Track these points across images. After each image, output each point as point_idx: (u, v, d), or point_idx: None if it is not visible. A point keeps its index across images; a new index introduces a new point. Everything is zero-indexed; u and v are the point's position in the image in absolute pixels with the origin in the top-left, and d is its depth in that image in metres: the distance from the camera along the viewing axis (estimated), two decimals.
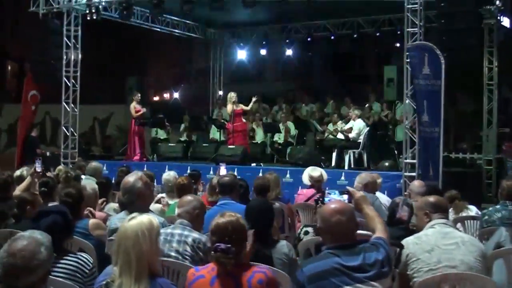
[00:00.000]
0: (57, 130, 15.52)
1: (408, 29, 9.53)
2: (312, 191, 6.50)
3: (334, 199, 3.31)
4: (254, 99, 12.61)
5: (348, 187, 3.34)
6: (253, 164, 11.63)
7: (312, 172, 6.58)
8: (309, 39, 15.09)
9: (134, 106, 12.56)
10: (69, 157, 12.15)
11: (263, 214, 3.60)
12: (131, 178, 3.97)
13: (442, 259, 3.27)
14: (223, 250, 2.77)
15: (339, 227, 2.88)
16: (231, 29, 16.12)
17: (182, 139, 14.24)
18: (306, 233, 4.30)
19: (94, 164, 7.06)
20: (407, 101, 9.62)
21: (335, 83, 24.95)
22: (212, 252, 2.83)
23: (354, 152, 11.21)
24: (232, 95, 12.13)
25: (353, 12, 13.31)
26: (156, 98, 22.60)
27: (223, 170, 6.32)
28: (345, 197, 3.28)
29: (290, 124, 13.58)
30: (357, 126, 11.21)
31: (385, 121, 13.12)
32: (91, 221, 4.10)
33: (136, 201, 3.91)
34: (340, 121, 12.18)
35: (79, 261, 3.03)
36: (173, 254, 3.46)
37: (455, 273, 3.21)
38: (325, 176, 6.66)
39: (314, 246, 3.88)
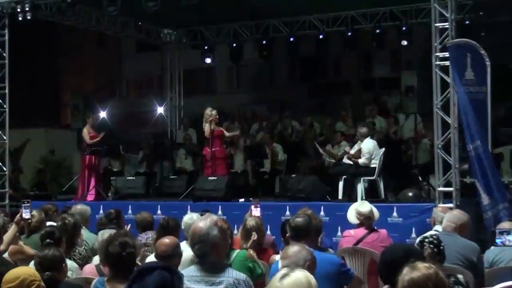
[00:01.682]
0: None
1: (436, 24, 9.75)
2: (362, 231, 6.75)
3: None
4: (237, 132, 13.19)
5: None
6: (241, 200, 11.83)
7: (360, 207, 6.83)
8: (291, 39, 15.59)
9: (88, 131, 12.59)
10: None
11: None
12: (203, 224, 4.09)
13: None
14: None
15: None
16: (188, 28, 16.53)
17: (141, 170, 14.35)
18: None
19: (80, 207, 7.08)
20: (438, 114, 9.75)
21: (318, 93, 26.01)
22: None
23: (364, 180, 11.57)
24: (210, 113, 12.35)
25: (346, 4, 13.85)
26: None
27: (256, 210, 6.48)
28: None
29: (278, 147, 13.89)
30: (367, 148, 11.48)
31: (394, 140, 13.69)
32: None
33: (210, 253, 4.04)
34: (344, 142, 12.64)
35: None
36: None
37: None
38: (376, 212, 6.93)
39: None
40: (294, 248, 3.95)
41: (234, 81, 29.62)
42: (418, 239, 4.82)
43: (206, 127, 12.28)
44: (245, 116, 17.04)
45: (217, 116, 12.40)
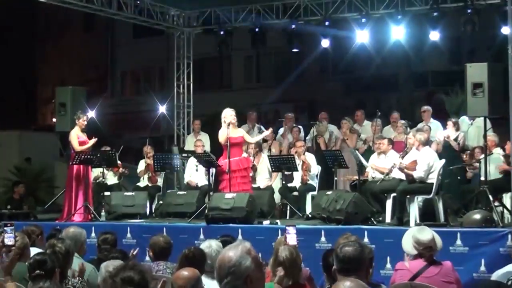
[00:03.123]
0: None
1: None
2: (420, 263, 6.69)
3: None
4: (269, 131, 13.48)
5: None
6: (266, 222, 11.90)
7: (419, 234, 6.75)
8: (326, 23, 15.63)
9: (77, 135, 12.67)
10: None
11: None
12: (233, 252, 4.09)
13: None
14: None
15: None
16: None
17: (142, 184, 14.40)
18: None
19: (73, 230, 7.14)
20: None
21: (357, 90, 26.03)
22: None
23: (419, 199, 11.55)
24: (229, 113, 12.44)
25: None
26: None
27: (291, 237, 6.45)
28: None
29: (310, 158, 13.97)
30: (425, 159, 11.47)
31: (456, 149, 13.68)
32: None
33: None
34: (392, 151, 12.63)
35: None
36: None
37: None
38: (439, 241, 6.87)
39: None
40: (346, 285, 3.96)
41: (253, 74, 29.78)
42: (507, 278, 4.76)
43: (223, 132, 12.38)
44: (266, 118, 17.07)
45: (235, 116, 12.53)
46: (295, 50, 17.37)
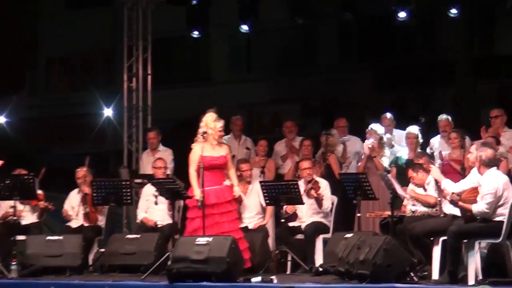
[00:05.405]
0: None
1: None
2: None
3: None
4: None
5: None
6: (256, 280, 11.92)
7: None
8: None
9: None
10: None
11: None
12: None
13: None
14: None
15: None
16: None
17: (75, 224, 14.41)
18: None
19: None
20: None
21: (392, 84, 26.02)
22: None
23: (482, 245, 11.62)
24: (211, 120, 12.82)
25: None
26: None
27: None
28: None
29: (322, 183, 14.06)
30: (491, 186, 11.32)
31: None
32: None
33: None
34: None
35: None
36: None
37: None
38: None
39: None
40: None
41: (242, 61, 29.76)
42: None
43: (197, 148, 12.65)
44: (261, 125, 17.11)
45: (222, 131, 12.89)
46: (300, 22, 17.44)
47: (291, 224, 13.85)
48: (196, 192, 12.60)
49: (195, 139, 12.82)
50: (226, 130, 15.30)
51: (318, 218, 13.87)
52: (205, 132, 12.65)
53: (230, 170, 13.21)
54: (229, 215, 12.82)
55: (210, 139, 12.72)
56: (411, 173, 12.97)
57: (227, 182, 13.00)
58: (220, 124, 12.89)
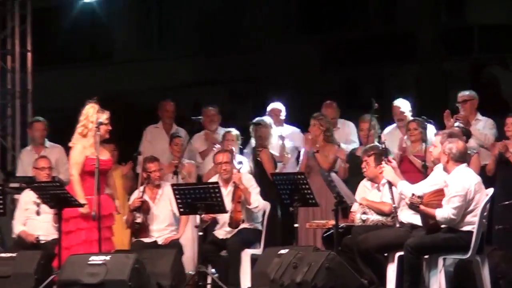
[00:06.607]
0: None
1: None
2: None
3: None
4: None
5: None
6: None
7: None
8: None
9: None
10: None
11: None
12: None
13: None
14: None
15: None
16: None
17: None
18: None
19: None
20: None
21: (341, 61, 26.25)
22: None
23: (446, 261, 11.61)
24: (94, 110, 12.85)
25: None
26: None
27: None
28: None
29: (249, 184, 14.18)
30: (458, 188, 11.34)
31: None
32: None
33: None
34: None
35: None
36: None
37: None
38: None
39: None
40: None
41: (153, 33, 29.88)
42: None
43: (80, 149, 12.80)
44: (179, 115, 17.49)
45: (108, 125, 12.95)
46: None
47: (212, 237, 14.10)
48: (82, 201, 12.60)
49: (73, 136, 12.87)
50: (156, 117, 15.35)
51: (246, 224, 13.99)
52: (101, 123, 12.73)
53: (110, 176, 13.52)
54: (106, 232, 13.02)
55: (91, 136, 12.74)
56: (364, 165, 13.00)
57: (107, 191, 13.23)
58: (105, 116, 12.88)
